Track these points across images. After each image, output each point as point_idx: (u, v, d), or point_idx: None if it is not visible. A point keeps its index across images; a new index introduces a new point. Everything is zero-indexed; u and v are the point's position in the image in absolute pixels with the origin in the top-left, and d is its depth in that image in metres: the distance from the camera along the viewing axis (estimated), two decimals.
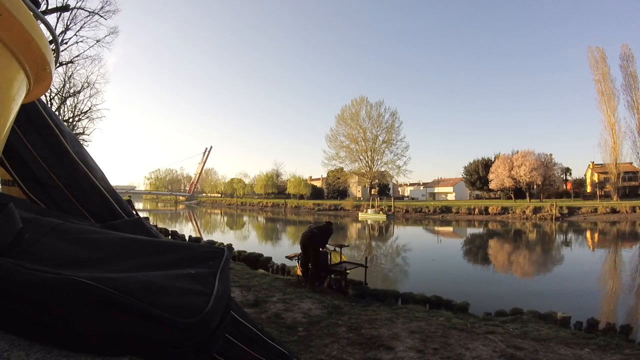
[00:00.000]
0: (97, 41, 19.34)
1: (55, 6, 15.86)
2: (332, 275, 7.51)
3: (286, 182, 70.11)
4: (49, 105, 0.90)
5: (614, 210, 32.31)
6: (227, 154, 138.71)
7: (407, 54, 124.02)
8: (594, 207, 33.68)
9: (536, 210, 34.24)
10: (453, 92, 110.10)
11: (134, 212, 0.91)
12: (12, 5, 0.44)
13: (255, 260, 10.06)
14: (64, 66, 19.37)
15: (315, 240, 7.18)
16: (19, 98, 0.55)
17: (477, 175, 51.89)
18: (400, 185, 71.89)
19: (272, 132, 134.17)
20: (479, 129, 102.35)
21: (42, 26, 0.55)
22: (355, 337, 4.28)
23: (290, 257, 8.66)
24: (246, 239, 22.90)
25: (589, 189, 49.03)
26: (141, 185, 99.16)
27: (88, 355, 0.43)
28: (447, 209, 39.02)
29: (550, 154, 45.83)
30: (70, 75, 20.73)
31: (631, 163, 42.62)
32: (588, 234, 25.35)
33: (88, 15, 18.02)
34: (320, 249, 7.29)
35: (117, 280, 0.45)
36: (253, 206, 62.85)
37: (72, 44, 18.61)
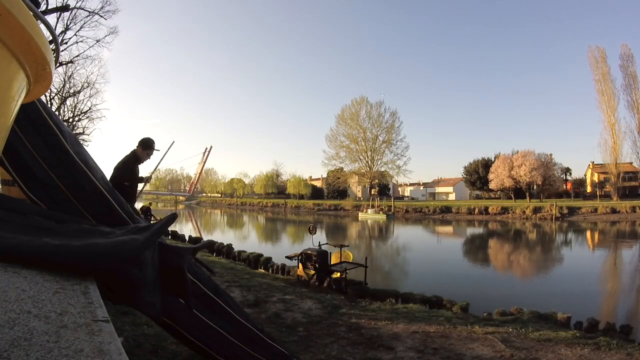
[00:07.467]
0: (97, 41, 19.29)
1: (55, 6, 15.82)
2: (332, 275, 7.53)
3: (286, 182, 69.98)
4: (49, 105, 0.90)
5: (614, 210, 32.31)
6: (227, 154, 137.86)
7: (407, 53, 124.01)
8: (594, 207, 33.68)
9: (536, 210, 34.24)
10: (453, 92, 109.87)
11: (141, 216, 0.94)
12: (12, 5, 0.44)
13: (256, 260, 10.07)
14: (64, 66, 19.28)
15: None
16: (19, 98, 0.55)
17: (477, 175, 51.86)
18: (400, 185, 71.79)
19: (272, 132, 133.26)
20: (479, 129, 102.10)
21: (42, 26, 0.55)
22: (355, 337, 4.29)
23: (290, 257, 8.65)
24: (246, 239, 22.88)
25: (589, 189, 49.01)
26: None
27: (87, 357, 0.43)
28: (447, 209, 39.02)
29: (550, 154, 45.93)
30: (70, 75, 20.67)
31: (631, 163, 42.61)
32: (588, 234, 25.35)
33: (88, 15, 17.98)
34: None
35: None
36: (253, 206, 62.80)
37: (72, 44, 18.56)
